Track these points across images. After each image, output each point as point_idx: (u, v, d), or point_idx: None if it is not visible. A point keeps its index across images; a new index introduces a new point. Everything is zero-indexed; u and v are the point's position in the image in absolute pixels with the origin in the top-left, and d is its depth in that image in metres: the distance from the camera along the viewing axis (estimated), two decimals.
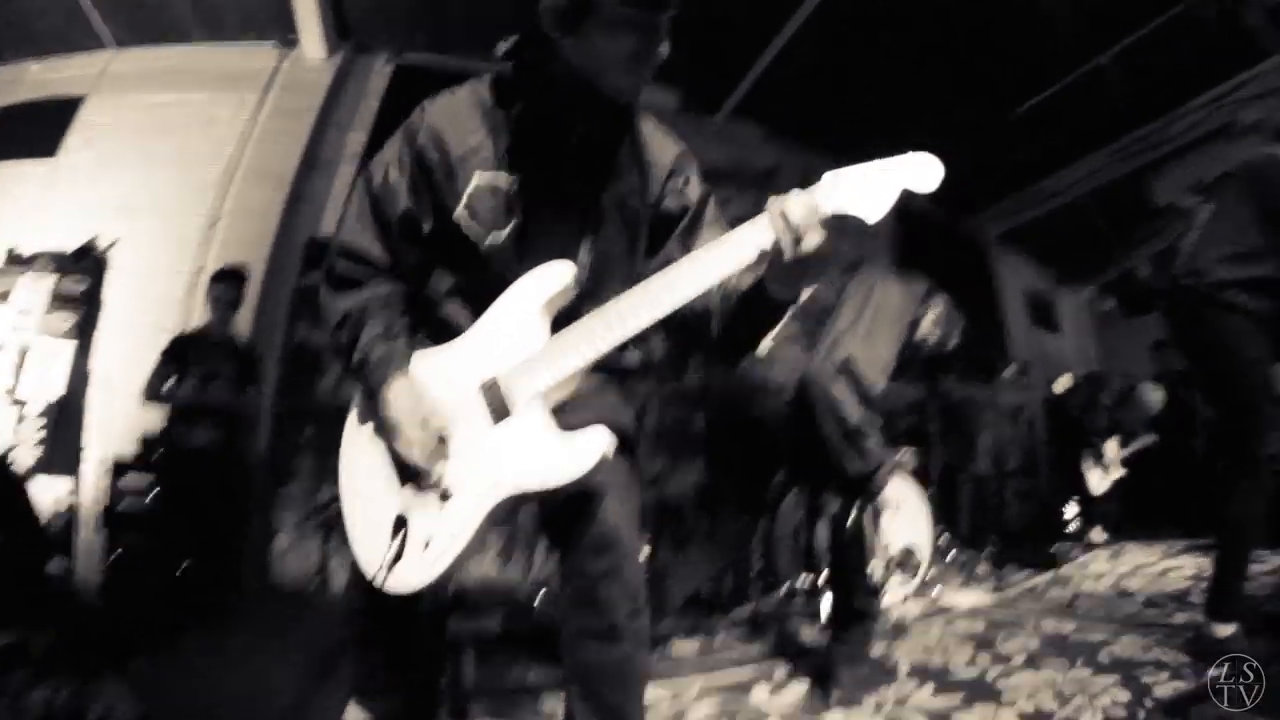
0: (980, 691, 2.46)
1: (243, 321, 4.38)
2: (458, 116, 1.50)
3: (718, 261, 1.27)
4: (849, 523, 2.68)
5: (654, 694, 2.51)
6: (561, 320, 1.37)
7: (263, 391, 4.30)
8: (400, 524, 1.33)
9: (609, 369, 1.50)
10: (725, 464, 3.23)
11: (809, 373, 2.50)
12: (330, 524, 4.04)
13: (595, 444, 1.26)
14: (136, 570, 3.74)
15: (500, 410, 1.33)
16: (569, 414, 1.36)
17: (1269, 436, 2.57)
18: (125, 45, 5.18)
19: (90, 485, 4.15)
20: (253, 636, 3.22)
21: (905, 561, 3.90)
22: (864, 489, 2.58)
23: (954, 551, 5.08)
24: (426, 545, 1.32)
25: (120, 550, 3.77)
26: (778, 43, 5.42)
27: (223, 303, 4.18)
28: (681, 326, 1.45)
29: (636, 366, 1.60)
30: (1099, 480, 6.23)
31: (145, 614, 3.36)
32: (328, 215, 4.86)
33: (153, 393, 3.99)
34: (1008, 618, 3.57)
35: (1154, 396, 6.31)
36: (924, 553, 3.99)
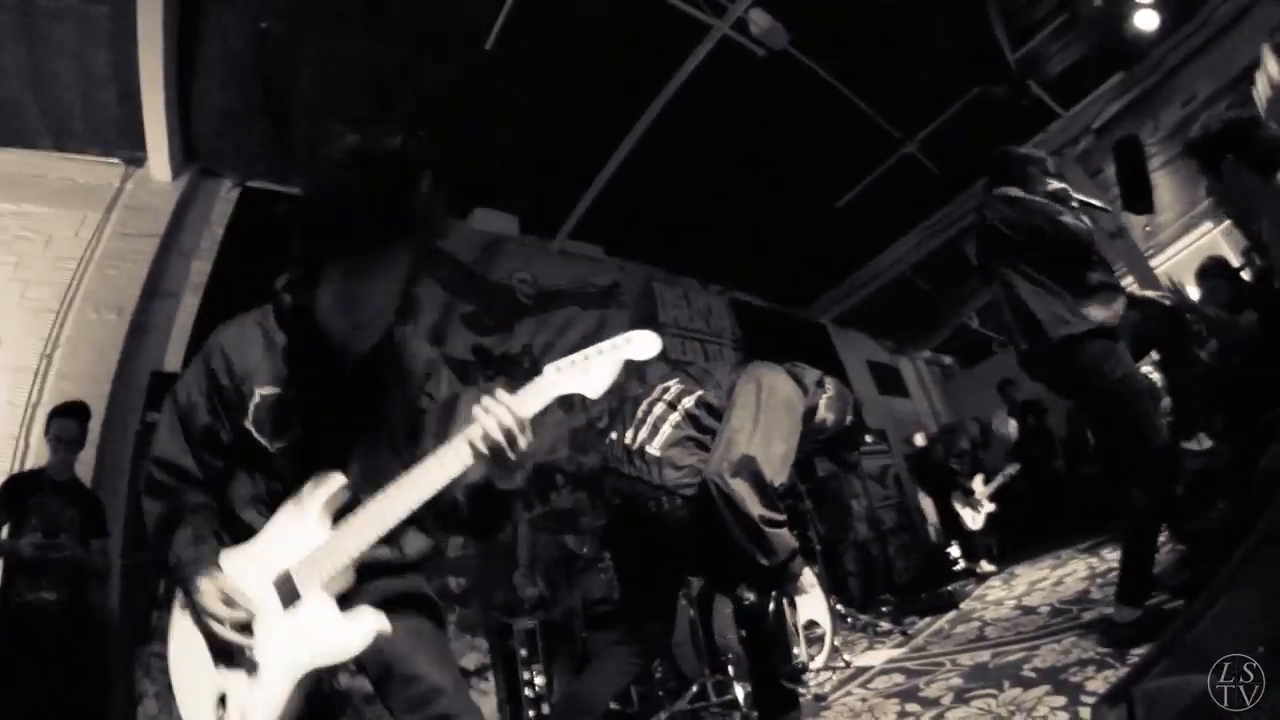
0: None
1: (84, 464, 3.88)
2: (244, 340, 1.70)
3: (439, 470, 1.47)
4: (769, 613, 2.65)
5: None
6: (342, 515, 1.55)
7: (110, 543, 3.80)
8: (222, 700, 1.49)
9: (391, 564, 1.67)
10: (627, 574, 3.07)
11: (708, 474, 2.44)
12: None
13: (369, 624, 1.46)
14: None
15: (290, 598, 1.51)
16: (357, 599, 1.54)
17: (1157, 432, 2.75)
18: None
19: None
20: None
21: (809, 635, 3.81)
22: (778, 579, 2.51)
23: (850, 618, 5.09)
24: (246, 711, 1.46)
25: None
26: (607, 170, 5.63)
27: (64, 441, 3.70)
28: (439, 515, 1.67)
29: (422, 554, 1.77)
30: (972, 518, 6.47)
31: None
32: (171, 348, 4.51)
33: None
34: (924, 664, 3.50)
35: (1008, 428, 6.67)
36: (825, 623, 3.89)
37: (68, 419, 3.73)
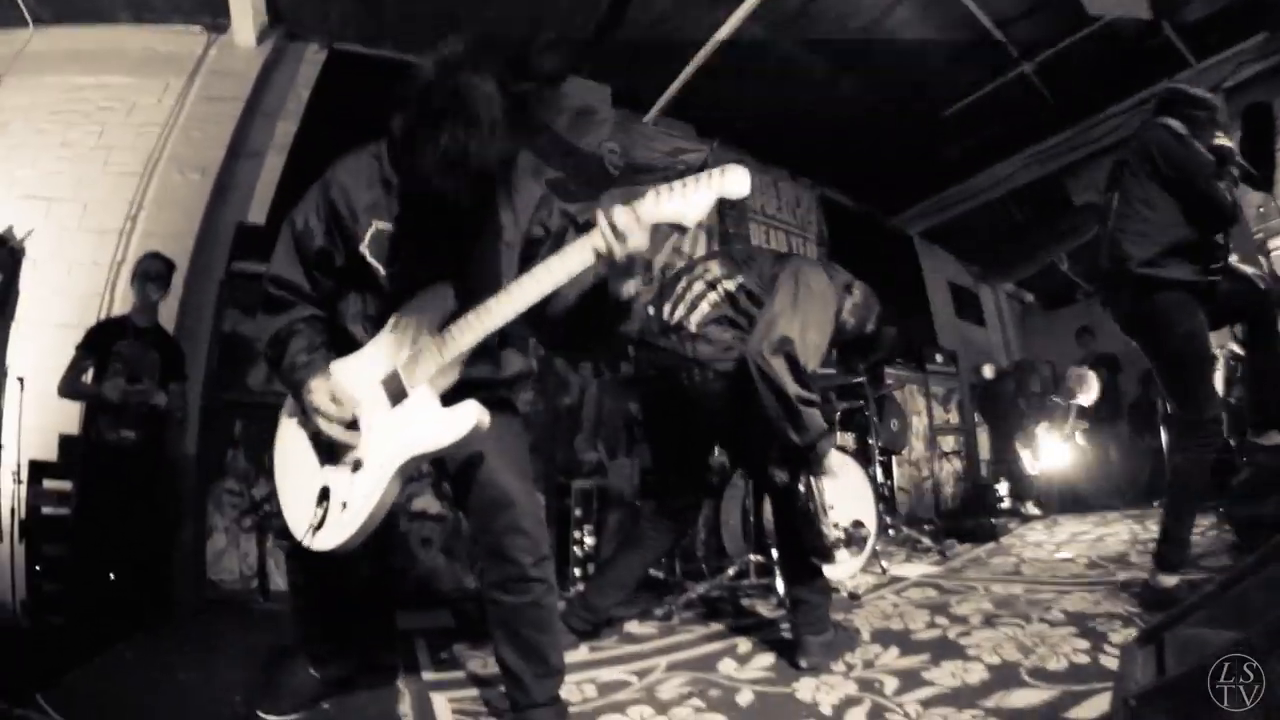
0: (945, 650, 2.51)
1: (167, 313, 4.10)
2: (359, 175, 1.84)
3: (560, 264, 1.59)
4: (799, 491, 2.73)
5: (620, 675, 2.49)
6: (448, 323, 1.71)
7: (189, 386, 4.04)
8: (324, 494, 1.69)
9: (490, 380, 1.88)
10: (658, 447, 3.23)
11: (748, 351, 2.55)
12: (265, 523, 3.88)
13: (470, 414, 1.62)
14: (60, 583, 3.49)
15: (398, 395, 1.70)
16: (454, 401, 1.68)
17: (1211, 402, 2.76)
18: (44, 24, 4.86)
19: (4, 493, 3.77)
20: (190, 645, 3.01)
21: (854, 535, 3.93)
22: (808, 458, 2.61)
23: (894, 529, 5.22)
24: (344, 507, 1.66)
25: (42, 562, 3.54)
26: (706, 49, 5.44)
27: (147, 290, 3.85)
28: (547, 329, 1.85)
29: (518, 373, 2.00)
30: (1031, 463, 6.47)
31: (72, 630, 3.13)
32: (254, 206, 4.66)
33: (69, 388, 3.67)
34: (957, 585, 3.66)
35: (1088, 378, 6.53)
36: (871, 526, 4.04)
37: (150, 268, 3.89)
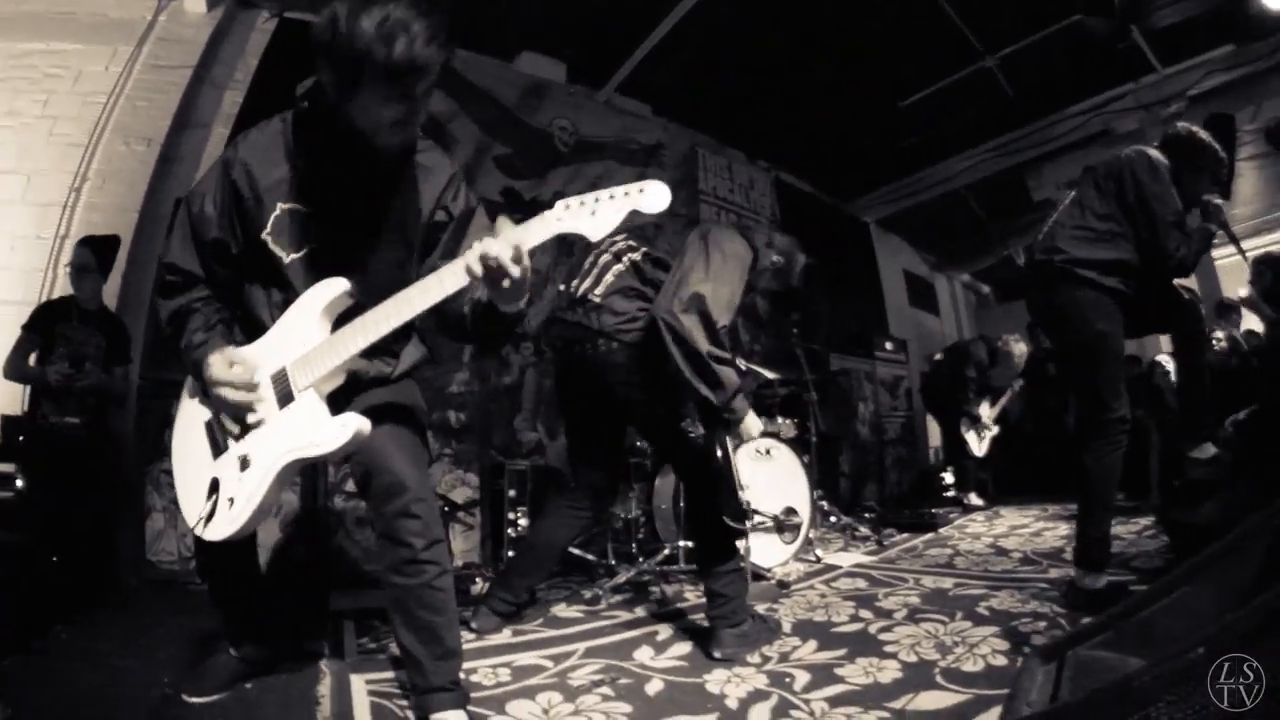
0: (863, 645, 2.44)
1: (111, 288, 3.98)
2: (265, 151, 1.79)
3: (438, 284, 1.58)
4: (715, 453, 2.75)
5: (537, 659, 2.45)
6: (341, 322, 1.70)
7: (131, 368, 3.93)
8: (215, 486, 1.73)
9: (384, 377, 1.93)
10: (571, 423, 3.18)
11: (657, 310, 2.50)
12: None
13: (351, 425, 1.61)
14: (3, 567, 3.30)
15: (285, 397, 1.68)
16: (348, 405, 1.74)
17: (1118, 400, 2.73)
18: None
19: None
20: (126, 628, 2.94)
21: (785, 523, 3.90)
22: (724, 416, 2.57)
23: (833, 516, 5.19)
24: (231, 503, 1.69)
25: None
26: (668, 22, 5.31)
27: (91, 270, 3.75)
28: (445, 327, 1.84)
29: (414, 365, 2.03)
30: (976, 443, 6.49)
31: (15, 613, 2.98)
32: (200, 179, 4.43)
33: (15, 370, 3.59)
34: (889, 576, 3.61)
35: (1018, 347, 6.57)
36: (804, 513, 4.02)
37: (94, 248, 3.78)
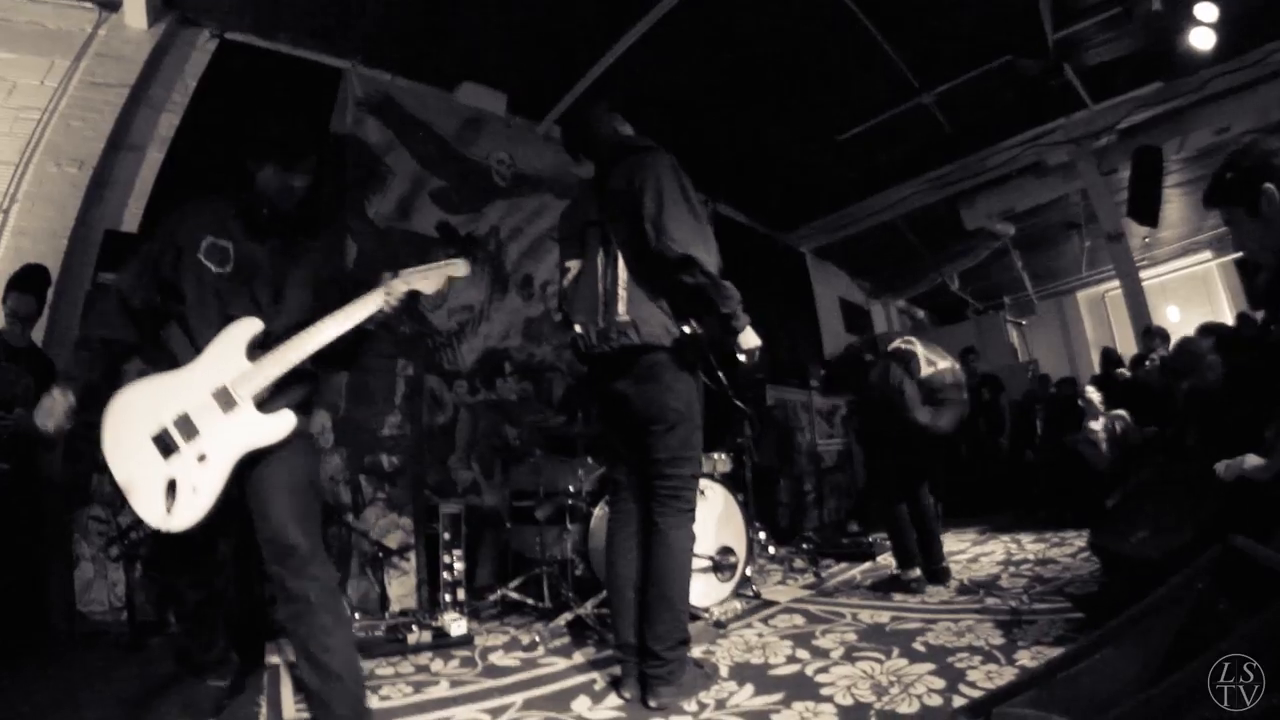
0: (800, 688, 2.41)
1: (39, 319, 3.75)
2: (204, 210, 2.31)
3: (348, 315, 2.18)
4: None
5: (475, 714, 2.43)
6: (259, 344, 2.16)
7: None
8: (172, 486, 2.03)
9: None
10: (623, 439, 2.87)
11: (659, 245, 2.50)
12: (132, 551, 3.60)
13: (288, 420, 2.13)
14: None
15: (229, 404, 2.10)
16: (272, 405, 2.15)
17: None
18: None
19: None
20: (65, 677, 2.86)
21: (721, 563, 3.86)
22: (731, 325, 2.59)
23: (771, 547, 5.16)
24: (194, 491, 2.03)
25: None
26: (609, 57, 5.34)
27: (20, 317, 3.56)
28: (333, 356, 2.26)
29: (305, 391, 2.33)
30: None
31: None
32: (131, 204, 4.29)
33: None
34: (826, 611, 3.60)
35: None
36: (740, 551, 3.97)
37: (24, 294, 3.58)
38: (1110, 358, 7.33)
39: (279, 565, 2.02)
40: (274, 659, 3.09)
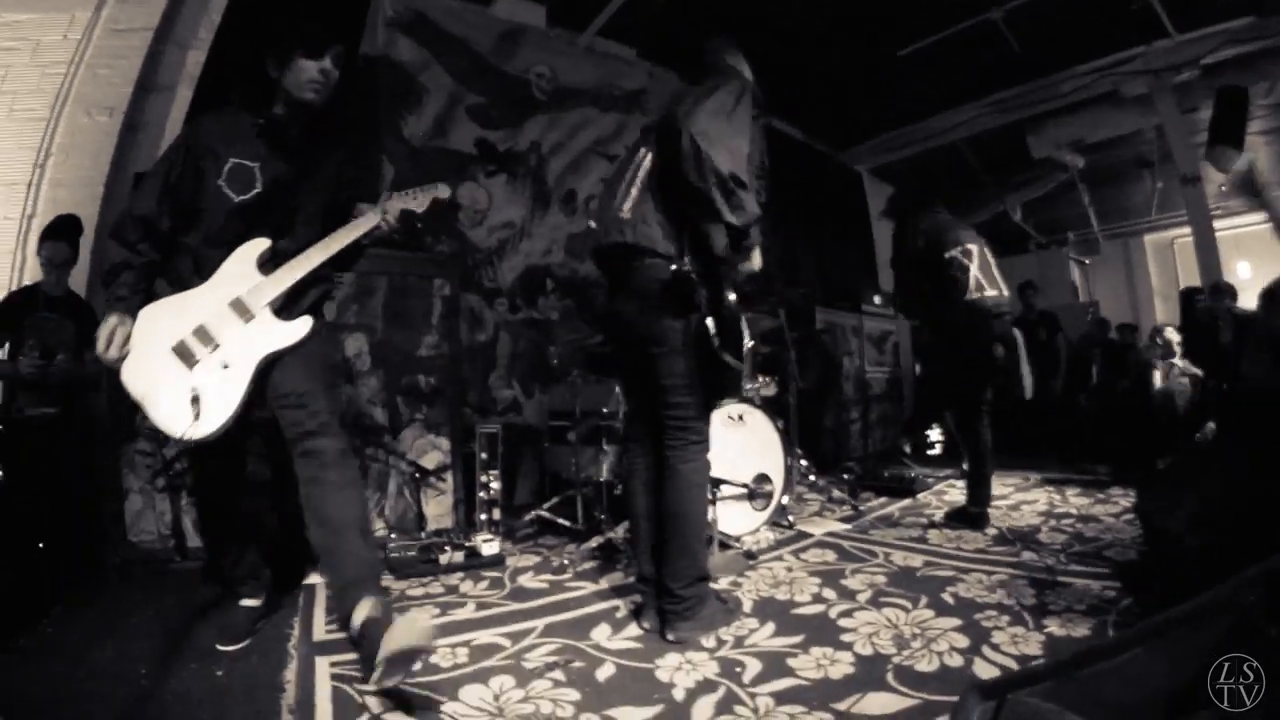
0: (821, 632, 2.39)
1: (80, 264, 3.86)
2: (223, 122, 2.31)
3: (351, 231, 2.31)
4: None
5: (496, 638, 2.44)
6: (268, 260, 2.25)
7: None
8: (196, 398, 2.10)
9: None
10: (625, 361, 2.85)
11: (678, 120, 2.36)
12: (178, 481, 3.77)
13: (305, 323, 2.26)
14: None
15: (247, 315, 2.20)
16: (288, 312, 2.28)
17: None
18: None
19: None
20: (114, 608, 2.95)
21: (757, 490, 3.81)
22: (739, 242, 2.47)
23: (811, 475, 5.10)
24: (221, 397, 2.12)
25: None
26: None
27: (55, 264, 3.65)
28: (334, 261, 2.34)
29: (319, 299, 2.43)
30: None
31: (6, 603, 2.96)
32: (165, 145, 4.20)
33: None
34: (859, 548, 3.56)
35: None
36: (777, 481, 3.92)
37: (57, 241, 3.67)
38: (1190, 298, 6.95)
39: (298, 428, 2.18)
40: (312, 578, 3.17)
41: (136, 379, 2.13)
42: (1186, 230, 8.09)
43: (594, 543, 3.58)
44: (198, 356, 2.14)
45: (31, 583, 3.08)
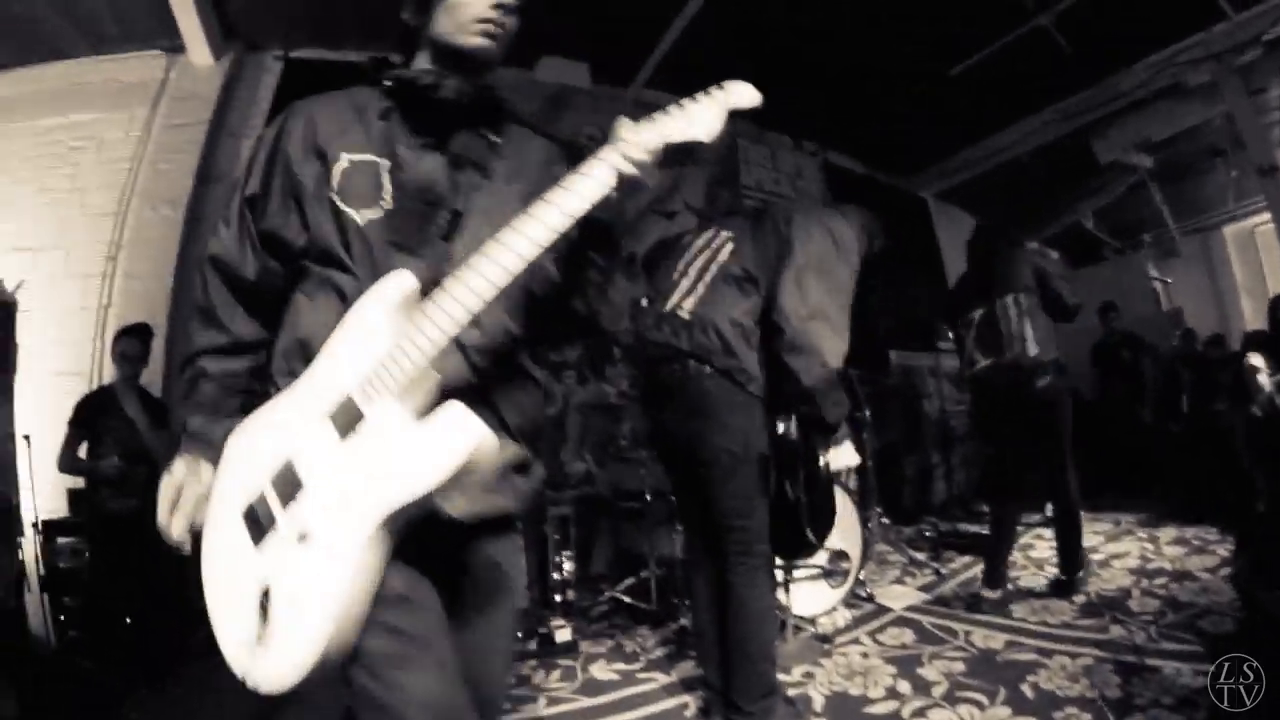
0: None
1: (155, 352, 4.17)
2: (328, 107, 1.38)
3: (579, 187, 1.16)
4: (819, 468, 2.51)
5: None
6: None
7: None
8: (266, 596, 1.04)
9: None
10: (671, 464, 2.79)
11: (777, 315, 2.31)
12: None
13: (459, 422, 0.99)
14: (83, 631, 3.71)
15: (349, 423, 1.07)
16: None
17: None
18: (4, 68, 4.83)
19: (27, 546, 3.94)
20: (194, 692, 3.08)
21: (833, 569, 3.75)
22: (828, 436, 2.48)
23: (894, 534, 5.04)
24: (293, 606, 1.00)
25: (64, 612, 3.77)
26: (693, 4, 5.13)
27: (129, 359, 3.98)
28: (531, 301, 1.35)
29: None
30: None
31: (95, 675, 3.32)
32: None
33: (67, 464, 3.85)
34: (939, 625, 3.52)
35: None
36: (854, 555, 3.81)
37: (131, 337, 3.99)
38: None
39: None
40: None
41: (210, 580, 1.18)
42: (1266, 217, 7.67)
43: (671, 628, 3.67)
44: (273, 519, 1.08)
45: (116, 668, 3.36)
